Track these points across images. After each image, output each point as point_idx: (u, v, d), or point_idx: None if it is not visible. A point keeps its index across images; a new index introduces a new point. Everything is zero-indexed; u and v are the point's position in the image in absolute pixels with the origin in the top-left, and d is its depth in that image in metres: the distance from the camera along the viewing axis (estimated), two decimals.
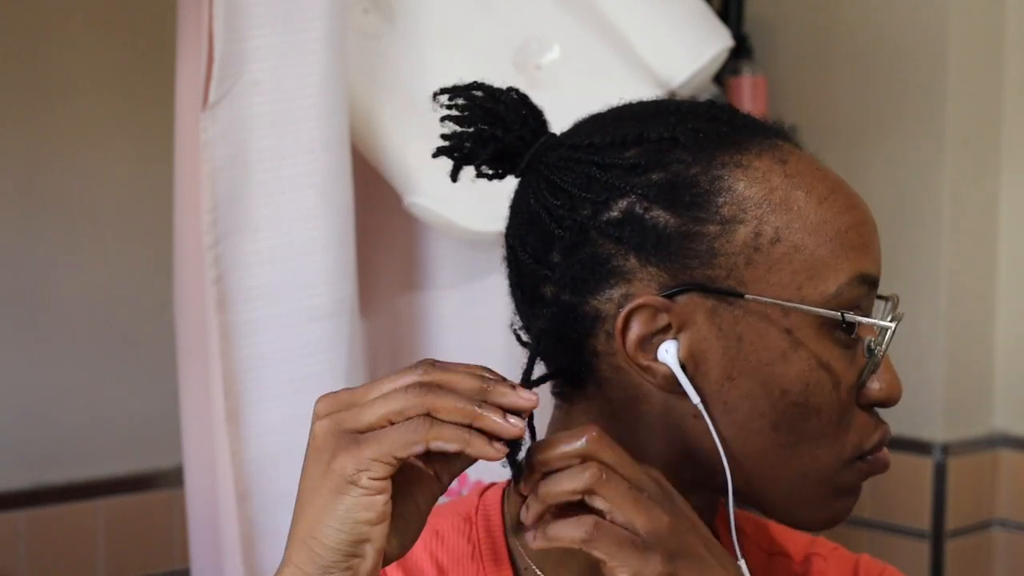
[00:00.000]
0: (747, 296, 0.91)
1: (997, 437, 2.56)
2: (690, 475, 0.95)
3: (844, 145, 2.61)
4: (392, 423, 0.83)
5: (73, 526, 2.28)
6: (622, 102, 1.00)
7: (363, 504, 0.83)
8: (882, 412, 0.99)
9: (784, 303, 0.91)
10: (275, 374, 1.63)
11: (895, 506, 2.53)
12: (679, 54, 1.82)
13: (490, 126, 0.96)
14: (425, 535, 1.01)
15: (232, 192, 1.61)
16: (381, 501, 0.83)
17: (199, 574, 1.74)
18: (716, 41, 1.85)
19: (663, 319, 0.92)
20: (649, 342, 0.92)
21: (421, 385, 0.85)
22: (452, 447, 0.83)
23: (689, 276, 0.92)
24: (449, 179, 0.98)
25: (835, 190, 0.95)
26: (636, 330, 0.92)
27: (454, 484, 1.96)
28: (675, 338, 0.92)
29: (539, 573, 0.99)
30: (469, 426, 0.83)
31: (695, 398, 0.91)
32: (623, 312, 0.92)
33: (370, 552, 0.84)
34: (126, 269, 2.32)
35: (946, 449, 2.50)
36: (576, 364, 0.96)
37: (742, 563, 0.92)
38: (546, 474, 0.87)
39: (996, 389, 2.57)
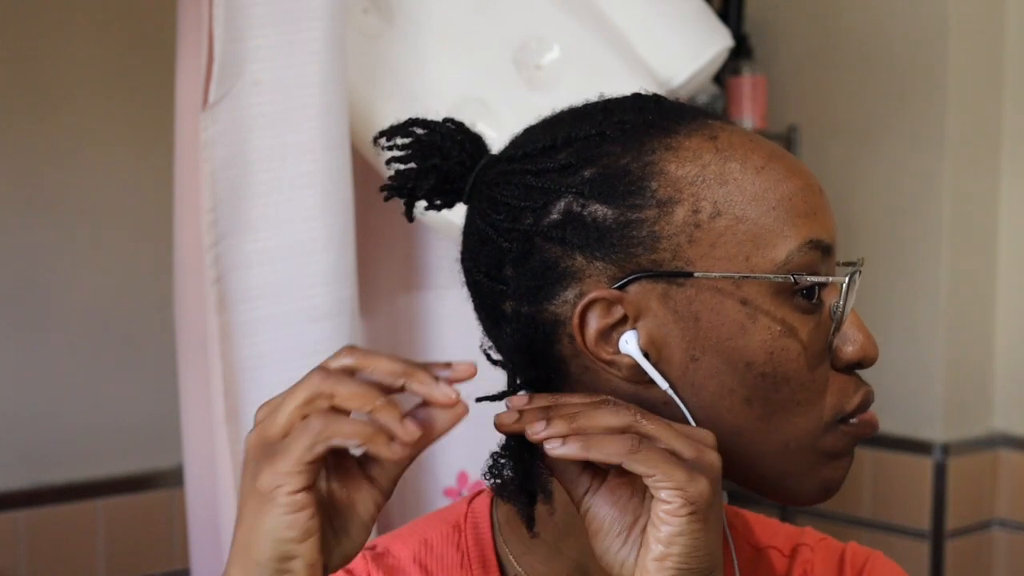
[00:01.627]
0: (695, 274, 0.91)
1: (997, 437, 2.56)
2: None
3: (844, 145, 2.61)
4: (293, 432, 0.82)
5: (73, 526, 2.28)
6: (554, 111, 1.00)
7: (285, 522, 0.82)
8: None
9: (732, 275, 0.91)
10: (275, 374, 1.63)
11: (895, 506, 2.53)
12: (679, 54, 1.82)
13: (429, 156, 0.96)
14: (414, 544, 1.01)
15: (232, 192, 1.61)
16: (304, 517, 0.82)
17: (199, 574, 1.74)
18: (716, 41, 1.85)
19: (618, 311, 0.92)
20: (609, 336, 0.92)
21: (325, 371, 0.83)
22: (352, 443, 0.82)
23: (635, 264, 0.92)
24: (405, 217, 0.99)
25: (772, 158, 0.94)
26: (593, 325, 0.92)
27: (454, 484, 1.97)
28: (633, 328, 0.92)
29: None
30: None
31: (663, 384, 0.91)
32: (577, 310, 0.92)
33: (299, 568, 0.83)
34: (126, 269, 2.32)
35: (946, 449, 2.50)
36: (546, 372, 0.95)
37: None
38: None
39: (996, 389, 2.57)
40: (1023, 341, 2.55)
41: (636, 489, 0.89)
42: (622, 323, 0.92)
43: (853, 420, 0.95)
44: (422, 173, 0.97)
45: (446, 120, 0.98)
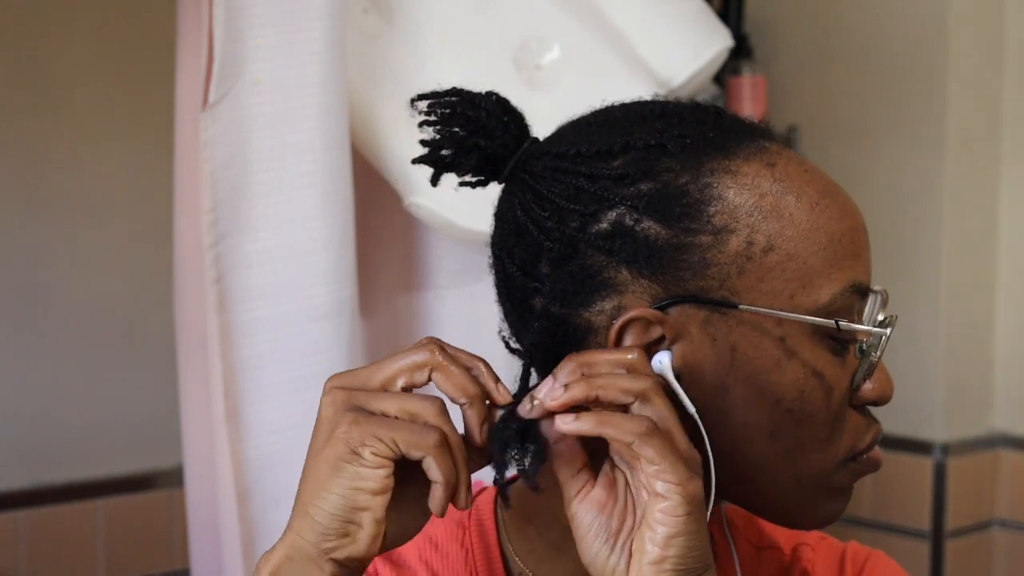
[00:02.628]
0: (741, 306, 0.91)
1: (997, 437, 2.56)
2: None
3: (844, 145, 2.61)
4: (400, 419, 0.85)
5: (73, 526, 2.28)
6: (605, 104, 0.99)
7: (364, 474, 0.84)
8: (879, 409, 0.98)
9: (778, 313, 0.91)
10: (275, 374, 1.63)
11: (895, 506, 2.53)
12: (679, 54, 1.82)
13: (471, 134, 0.94)
14: (419, 541, 1.01)
15: (232, 192, 1.61)
16: (383, 474, 0.84)
17: (199, 574, 1.74)
18: (716, 41, 1.85)
19: (656, 331, 0.91)
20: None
21: (439, 401, 0.86)
22: (435, 476, 0.85)
23: (682, 288, 0.91)
24: (431, 183, 0.98)
25: (826, 194, 0.94)
26: (630, 343, 0.91)
27: None
28: (669, 349, 0.91)
29: None
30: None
31: (690, 408, 0.90)
32: (616, 325, 0.91)
33: (368, 522, 0.85)
34: (126, 269, 2.32)
35: (946, 449, 2.50)
36: None
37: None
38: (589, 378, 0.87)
39: (996, 389, 2.57)
40: (1023, 341, 2.54)
41: (619, 495, 0.88)
42: (658, 342, 0.92)
43: (862, 457, 0.96)
44: (464, 151, 0.95)
45: (489, 94, 0.96)
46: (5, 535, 2.22)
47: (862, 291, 0.94)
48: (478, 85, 0.97)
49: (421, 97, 0.96)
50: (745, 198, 0.91)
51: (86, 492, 2.29)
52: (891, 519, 2.53)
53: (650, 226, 0.91)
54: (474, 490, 1.04)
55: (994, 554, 2.57)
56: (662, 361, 0.91)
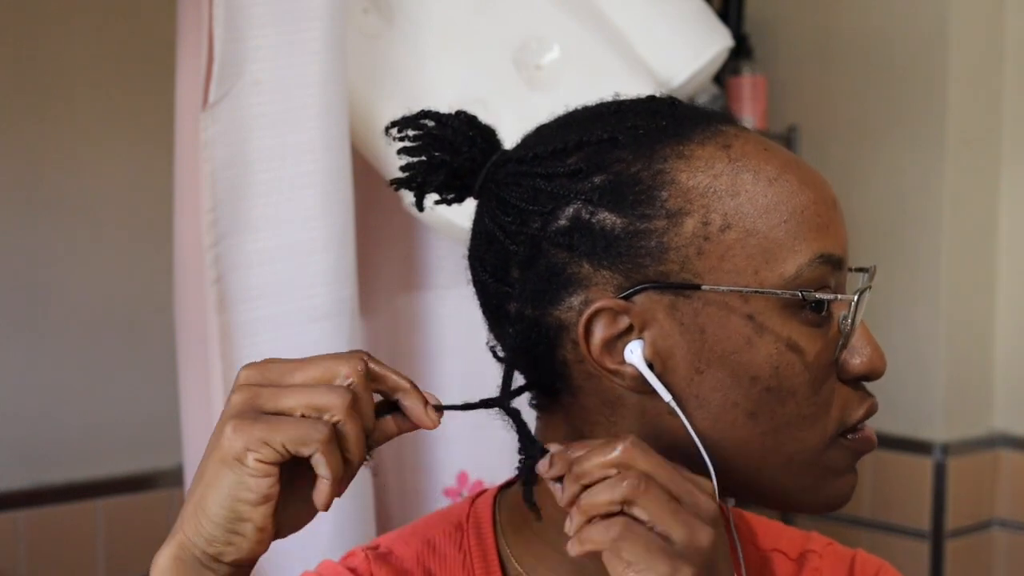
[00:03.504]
0: (703, 287, 0.90)
1: (997, 437, 2.57)
2: None
3: (844, 146, 2.61)
4: (303, 416, 0.84)
5: (73, 526, 2.28)
6: (567, 110, 0.99)
7: (246, 484, 0.83)
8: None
9: (741, 289, 0.90)
10: None
11: (895, 506, 2.53)
12: (679, 54, 1.82)
13: (439, 151, 0.96)
14: (416, 544, 1.01)
15: (232, 192, 1.61)
16: (266, 484, 0.83)
17: None
18: (716, 41, 1.85)
19: (624, 321, 0.91)
20: (614, 345, 0.92)
21: (347, 391, 0.85)
22: (322, 473, 0.84)
23: (643, 275, 0.91)
24: (416, 208, 0.99)
25: (786, 169, 0.93)
26: (598, 335, 0.91)
27: (454, 484, 1.96)
28: (639, 338, 0.91)
29: None
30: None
31: (666, 395, 0.91)
32: (583, 319, 0.91)
33: (250, 531, 0.84)
34: (126, 269, 2.32)
35: (946, 449, 2.50)
36: (548, 375, 0.95)
37: None
38: (586, 486, 0.86)
39: (996, 389, 2.57)
40: (1023, 341, 2.55)
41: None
42: (627, 333, 0.91)
43: (852, 436, 0.94)
44: (432, 168, 0.96)
45: (458, 113, 0.97)
46: (5, 535, 2.22)
47: (834, 262, 0.92)
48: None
49: (393, 124, 0.97)
50: (699, 180, 0.91)
51: (86, 492, 2.29)
52: (891, 519, 2.53)
53: (605, 217, 0.91)
54: (472, 492, 1.04)
55: (994, 554, 2.57)
56: (633, 351, 0.91)
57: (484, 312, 0.99)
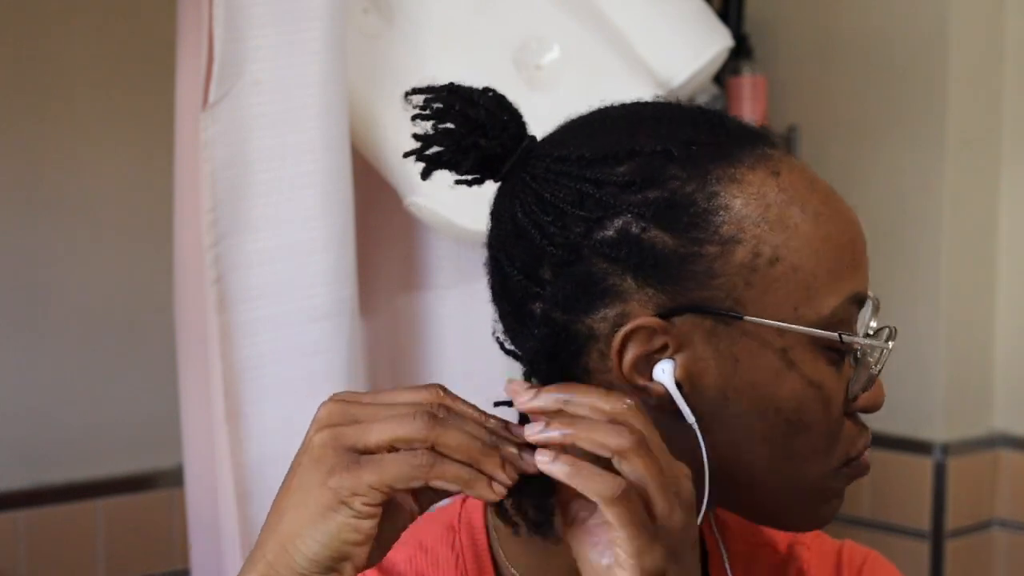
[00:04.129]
0: (745, 318, 0.90)
1: (997, 437, 2.56)
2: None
3: (844, 145, 2.61)
4: (394, 449, 0.84)
5: (73, 526, 2.28)
6: (603, 105, 0.98)
7: (352, 525, 0.83)
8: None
9: (782, 325, 0.91)
10: (275, 374, 1.63)
11: (895, 506, 2.53)
12: (679, 54, 1.82)
13: (470, 133, 0.93)
14: (408, 548, 1.01)
15: (232, 192, 1.61)
16: (369, 525, 0.84)
17: (199, 574, 1.74)
18: (716, 41, 1.85)
19: (660, 339, 0.91)
20: (644, 362, 0.91)
21: (430, 415, 0.84)
22: (453, 487, 0.84)
23: (687, 298, 0.91)
24: (421, 176, 0.97)
25: (828, 202, 0.94)
26: (633, 351, 0.91)
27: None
28: (672, 358, 0.91)
29: None
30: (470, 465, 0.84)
31: (690, 418, 0.90)
32: (621, 333, 0.90)
33: (348, 570, 0.85)
34: (126, 269, 2.32)
35: (946, 449, 2.50)
36: (567, 381, 0.94)
37: None
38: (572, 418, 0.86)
39: (996, 389, 2.57)
40: (1023, 341, 2.54)
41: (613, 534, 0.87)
42: (660, 351, 0.91)
43: (853, 463, 0.96)
44: (463, 149, 0.94)
45: (486, 90, 0.95)
46: (5, 535, 2.22)
47: (860, 300, 0.94)
48: (478, 85, 0.97)
49: (416, 91, 0.94)
50: (751, 208, 0.91)
51: (86, 492, 2.29)
52: (891, 519, 2.53)
53: (657, 235, 0.91)
54: (462, 495, 1.04)
55: (994, 554, 2.57)
56: (664, 370, 0.91)
57: (499, 303, 0.97)
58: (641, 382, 0.92)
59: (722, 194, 0.91)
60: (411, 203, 1.70)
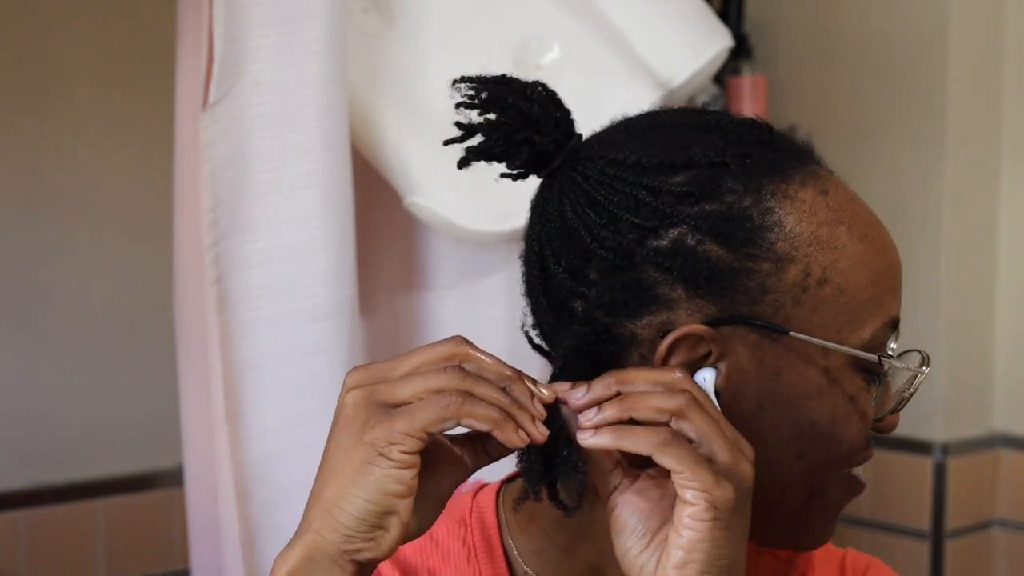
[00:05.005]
0: (791, 333, 0.92)
1: (997, 437, 2.56)
2: None
3: (844, 145, 2.60)
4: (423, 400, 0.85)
5: (73, 526, 2.28)
6: (652, 109, 0.99)
7: (393, 476, 0.84)
8: None
9: (828, 344, 0.92)
10: (275, 374, 1.63)
11: (895, 506, 2.53)
12: (679, 54, 1.82)
13: (523, 128, 0.94)
14: (421, 540, 1.00)
15: (232, 192, 1.61)
16: (410, 475, 0.84)
17: (199, 574, 1.74)
18: (716, 41, 1.85)
19: (704, 348, 0.92)
20: (687, 369, 0.92)
21: (459, 368, 0.86)
22: (483, 426, 0.84)
23: (737, 310, 0.92)
24: (457, 167, 0.96)
25: (871, 226, 0.96)
26: (678, 358, 0.92)
27: None
28: (714, 366, 0.92)
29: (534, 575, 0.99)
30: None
31: None
32: (669, 338, 0.91)
33: (395, 525, 0.85)
34: (126, 269, 2.32)
35: (946, 449, 2.50)
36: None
37: None
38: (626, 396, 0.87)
39: (996, 389, 2.57)
40: (1023, 341, 2.54)
41: (667, 493, 0.88)
42: (703, 359, 0.92)
43: (854, 471, 0.98)
44: (515, 144, 0.94)
45: (536, 83, 0.96)
46: (5, 535, 2.22)
47: (895, 325, 0.97)
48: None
49: (466, 80, 0.95)
50: (804, 227, 0.93)
51: (86, 492, 2.29)
52: (891, 519, 2.53)
53: (712, 248, 0.92)
54: (473, 488, 1.05)
55: (994, 554, 2.57)
56: (706, 378, 0.92)
57: (536, 297, 0.97)
58: None
59: (776, 210, 0.92)
60: (411, 203, 1.70)
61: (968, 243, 2.52)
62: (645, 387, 0.87)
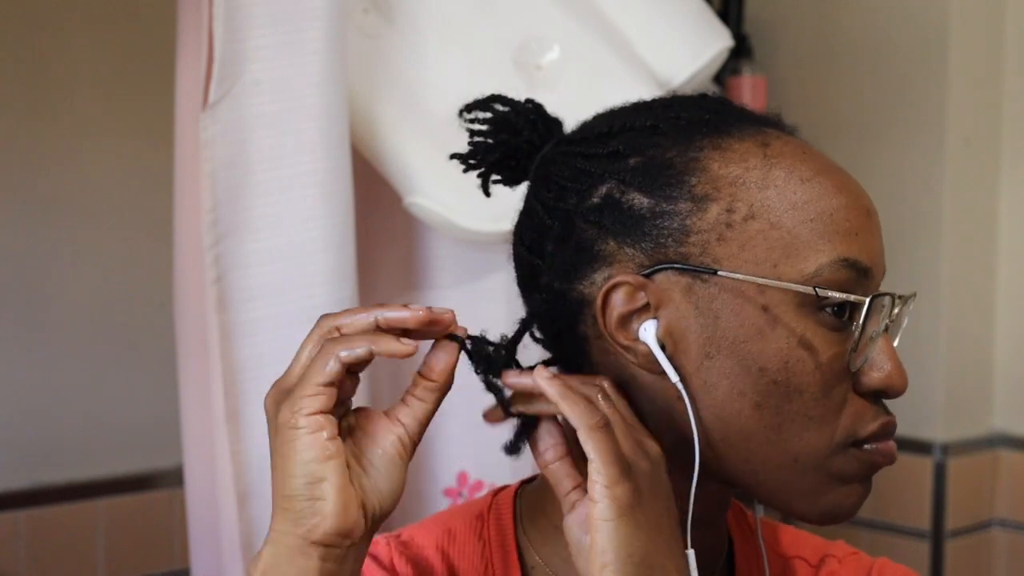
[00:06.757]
0: (719, 272, 0.91)
1: (997, 437, 2.56)
2: (689, 462, 0.94)
3: (844, 145, 2.60)
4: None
5: (73, 526, 2.28)
6: (627, 102, 1.01)
7: (307, 442, 0.87)
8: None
9: (756, 279, 0.91)
10: (275, 374, 1.61)
11: (895, 506, 2.53)
12: (679, 54, 1.82)
13: (502, 133, 0.99)
14: (437, 532, 1.03)
15: (232, 192, 1.61)
16: (323, 436, 0.87)
17: (199, 574, 1.74)
18: (716, 41, 1.85)
19: (641, 298, 0.93)
20: (629, 322, 0.93)
21: (325, 317, 0.92)
22: (360, 350, 0.87)
23: (664, 255, 0.93)
24: (484, 192, 1.02)
25: (821, 172, 0.94)
26: (616, 309, 0.93)
27: (454, 485, 1.96)
28: (655, 317, 0.93)
29: (548, 569, 1.00)
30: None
31: (674, 376, 0.92)
32: (601, 291, 0.93)
33: (329, 490, 0.87)
34: (126, 269, 2.32)
35: (946, 449, 2.50)
36: (569, 350, 0.97)
37: (690, 553, 0.92)
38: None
39: (996, 389, 2.57)
40: (1023, 341, 2.54)
41: None
42: (644, 311, 0.93)
43: (868, 446, 0.95)
44: (490, 147, 0.99)
45: (527, 100, 1.00)
46: (5, 535, 2.22)
47: (860, 269, 0.93)
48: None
49: (467, 107, 1.00)
50: (730, 170, 0.93)
51: (86, 492, 2.29)
52: (891, 519, 2.53)
53: (635, 196, 0.94)
54: (472, 492, 1.06)
55: (994, 554, 2.57)
56: (647, 329, 0.93)
57: (520, 285, 1.02)
58: (625, 341, 0.94)
59: (702, 159, 0.94)
60: (411, 203, 1.70)
61: (968, 243, 2.52)
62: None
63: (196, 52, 1.61)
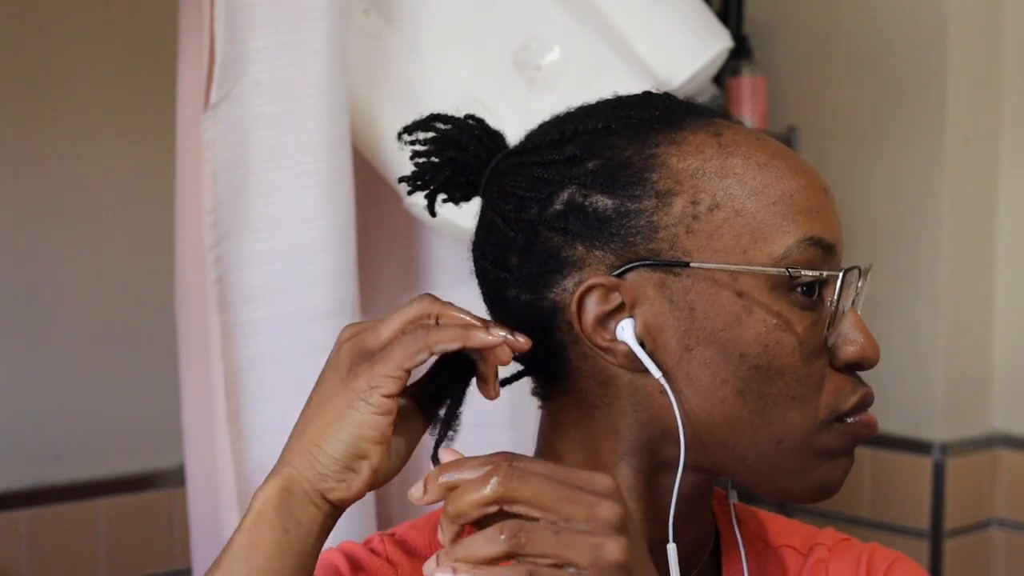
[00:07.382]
0: (691, 264, 0.92)
1: (996, 437, 2.57)
2: (674, 455, 0.94)
3: (844, 145, 2.61)
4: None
5: (73, 526, 2.28)
6: (571, 108, 1.02)
7: (370, 422, 0.88)
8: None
9: (728, 266, 0.92)
10: (276, 374, 1.64)
11: (895, 506, 2.53)
12: (679, 55, 1.82)
13: (447, 150, 0.99)
14: (429, 532, 1.03)
15: (233, 192, 1.61)
16: (386, 422, 0.88)
17: (200, 574, 1.74)
18: (716, 41, 1.85)
19: (615, 298, 0.93)
20: (606, 323, 0.94)
21: (430, 299, 0.91)
22: (454, 345, 0.88)
23: (634, 253, 0.93)
24: (429, 213, 1.04)
25: (776, 156, 0.95)
26: (591, 312, 0.93)
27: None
28: (631, 316, 0.93)
29: None
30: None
31: (656, 372, 0.92)
32: (576, 295, 0.93)
33: (365, 469, 0.90)
34: (126, 269, 2.32)
35: (945, 449, 2.50)
36: (545, 359, 0.97)
37: (671, 547, 0.91)
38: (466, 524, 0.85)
39: (996, 389, 2.57)
40: (1023, 341, 2.55)
41: None
42: (619, 311, 0.94)
43: (850, 419, 0.95)
44: (438, 166, 0.99)
45: (467, 116, 1.00)
46: (6, 535, 2.22)
47: (824, 246, 0.94)
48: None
49: (406, 129, 1.00)
50: (689, 163, 0.94)
51: (87, 492, 2.29)
52: (890, 519, 2.53)
53: (598, 199, 0.94)
54: None
55: (993, 553, 2.57)
56: (624, 328, 0.93)
57: (486, 302, 1.02)
58: (604, 343, 0.94)
59: (659, 154, 0.94)
60: (411, 203, 1.71)
61: (968, 243, 2.53)
62: (474, 514, 0.84)
63: (197, 53, 1.61)
